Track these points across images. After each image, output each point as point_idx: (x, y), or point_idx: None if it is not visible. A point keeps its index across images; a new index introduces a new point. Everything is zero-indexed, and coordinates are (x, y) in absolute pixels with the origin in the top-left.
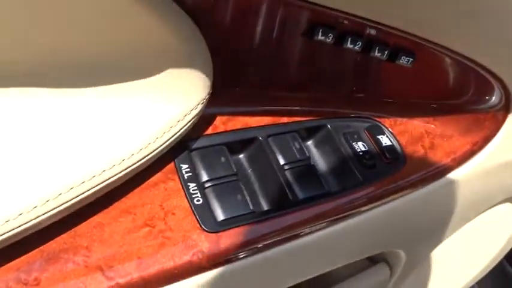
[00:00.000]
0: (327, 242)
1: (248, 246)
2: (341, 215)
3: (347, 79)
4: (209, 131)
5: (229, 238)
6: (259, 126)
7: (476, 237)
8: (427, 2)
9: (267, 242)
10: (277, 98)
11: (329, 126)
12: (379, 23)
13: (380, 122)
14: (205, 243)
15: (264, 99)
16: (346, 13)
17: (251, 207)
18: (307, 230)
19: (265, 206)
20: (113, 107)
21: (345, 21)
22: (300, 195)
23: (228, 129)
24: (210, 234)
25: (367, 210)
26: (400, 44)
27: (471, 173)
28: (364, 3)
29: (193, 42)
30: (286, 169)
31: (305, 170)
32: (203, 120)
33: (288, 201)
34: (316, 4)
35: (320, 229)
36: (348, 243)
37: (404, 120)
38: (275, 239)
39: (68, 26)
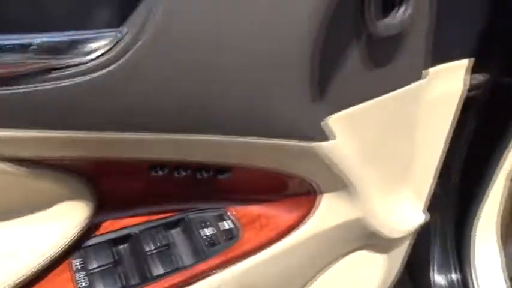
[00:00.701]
0: None
1: None
2: (190, 281)
3: (196, 187)
4: (98, 231)
5: None
6: (136, 224)
7: (350, 278)
8: (213, 147)
9: None
10: (151, 203)
11: (187, 219)
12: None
13: (226, 211)
14: None
15: (141, 205)
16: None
17: (123, 283)
18: None
19: (132, 282)
20: (21, 231)
21: (172, 160)
22: (157, 271)
23: (113, 229)
24: None
25: (212, 274)
26: (215, 167)
27: (294, 242)
28: (181, 153)
29: (78, 185)
30: (150, 254)
31: (164, 253)
32: (94, 226)
33: (148, 277)
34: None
35: None
36: None
37: (245, 207)
38: None
39: None
